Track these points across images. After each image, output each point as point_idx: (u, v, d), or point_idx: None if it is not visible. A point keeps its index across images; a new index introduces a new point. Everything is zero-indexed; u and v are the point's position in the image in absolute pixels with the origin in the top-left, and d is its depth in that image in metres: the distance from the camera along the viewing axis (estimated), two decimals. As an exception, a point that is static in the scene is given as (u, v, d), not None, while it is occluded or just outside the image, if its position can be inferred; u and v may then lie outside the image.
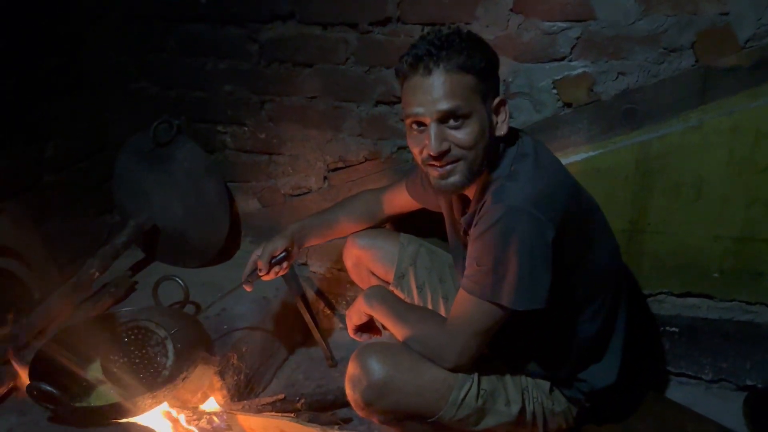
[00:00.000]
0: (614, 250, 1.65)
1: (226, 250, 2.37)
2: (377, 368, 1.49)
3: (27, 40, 2.10)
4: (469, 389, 1.50)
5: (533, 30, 1.83)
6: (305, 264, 2.35)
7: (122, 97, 2.37)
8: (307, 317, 2.23)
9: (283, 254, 1.78)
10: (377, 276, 1.94)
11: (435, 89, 1.34)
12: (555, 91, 1.88)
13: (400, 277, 1.86)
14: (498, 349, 1.59)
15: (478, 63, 1.36)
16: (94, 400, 1.74)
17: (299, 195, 2.29)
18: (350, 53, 2.02)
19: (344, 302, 2.36)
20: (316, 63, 2.08)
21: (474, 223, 1.43)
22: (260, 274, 1.77)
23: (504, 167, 1.44)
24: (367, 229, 1.92)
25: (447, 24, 1.87)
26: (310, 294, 2.36)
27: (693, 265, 1.91)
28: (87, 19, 2.28)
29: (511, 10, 1.83)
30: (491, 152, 1.43)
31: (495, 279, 1.37)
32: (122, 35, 2.28)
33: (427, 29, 1.89)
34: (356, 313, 1.74)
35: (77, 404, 1.66)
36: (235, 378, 1.99)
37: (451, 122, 1.37)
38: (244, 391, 2.03)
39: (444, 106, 1.34)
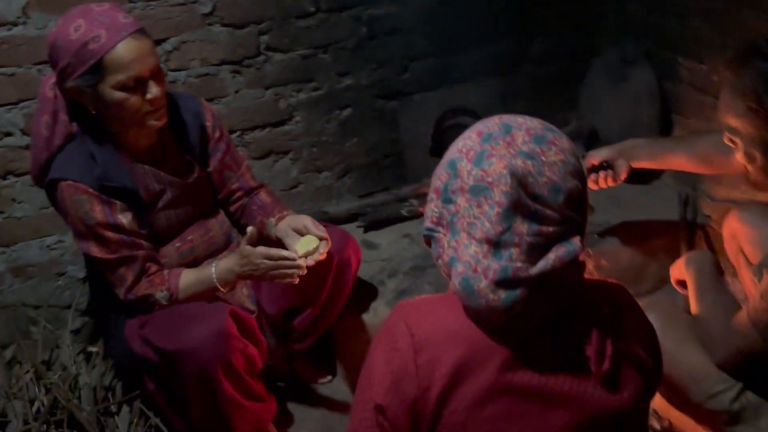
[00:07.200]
0: None
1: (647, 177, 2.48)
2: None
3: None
4: (728, 389, 1.46)
5: None
6: (709, 217, 2.29)
7: (609, 10, 2.59)
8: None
9: (604, 164, 1.91)
10: (745, 256, 1.83)
11: None
12: None
13: (761, 267, 1.72)
14: None
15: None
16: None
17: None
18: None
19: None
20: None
21: None
22: None
23: None
24: (759, 205, 1.80)
25: None
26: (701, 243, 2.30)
27: None
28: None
29: None
30: None
31: None
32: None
33: None
34: (677, 268, 1.75)
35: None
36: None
37: None
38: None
39: None
